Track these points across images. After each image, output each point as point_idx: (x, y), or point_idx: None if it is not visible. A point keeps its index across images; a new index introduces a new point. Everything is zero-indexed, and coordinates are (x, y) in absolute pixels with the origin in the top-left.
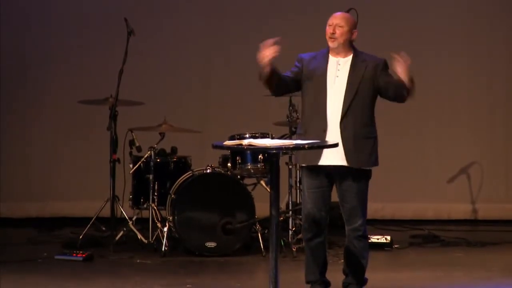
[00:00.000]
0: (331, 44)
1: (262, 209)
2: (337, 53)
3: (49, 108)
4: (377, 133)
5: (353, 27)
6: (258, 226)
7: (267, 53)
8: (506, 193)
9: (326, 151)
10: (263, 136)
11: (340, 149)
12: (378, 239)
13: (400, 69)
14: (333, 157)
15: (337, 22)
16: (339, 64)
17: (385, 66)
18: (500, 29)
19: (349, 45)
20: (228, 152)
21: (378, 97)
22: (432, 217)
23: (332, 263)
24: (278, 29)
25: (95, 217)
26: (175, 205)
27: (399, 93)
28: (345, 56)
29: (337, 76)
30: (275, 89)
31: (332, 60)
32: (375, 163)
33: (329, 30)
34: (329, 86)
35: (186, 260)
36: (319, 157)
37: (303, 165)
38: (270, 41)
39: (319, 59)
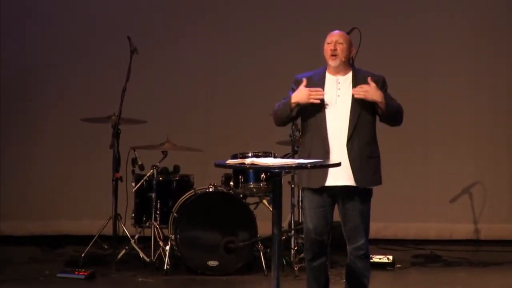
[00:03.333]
0: (332, 62)
1: (264, 228)
2: (336, 71)
3: (51, 126)
4: (380, 152)
5: (350, 44)
6: (260, 245)
7: (315, 95)
8: (509, 213)
9: (331, 172)
10: (266, 155)
11: (347, 169)
12: (380, 258)
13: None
14: (339, 178)
15: (336, 39)
16: (339, 83)
17: (383, 84)
18: (501, 48)
19: (348, 63)
20: (230, 171)
21: None
22: (435, 237)
23: (334, 283)
24: (282, 48)
25: (97, 235)
26: (178, 224)
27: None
28: (344, 74)
29: (338, 96)
30: (285, 124)
31: (331, 78)
32: (379, 181)
33: (329, 47)
34: (331, 106)
35: (188, 278)
36: (323, 179)
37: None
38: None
39: (317, 79)
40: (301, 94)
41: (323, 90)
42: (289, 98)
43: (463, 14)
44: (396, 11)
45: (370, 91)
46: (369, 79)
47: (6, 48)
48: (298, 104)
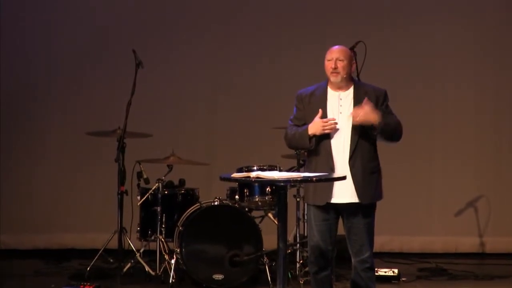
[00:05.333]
0: (333, 79)
1: (269, 241)
2: (338, 87)
3: (56, 139)
4: (383, 166)
5: (351, 59)
6: (265, 259)
7: (329, 127)
8: None
9: (336, 189)
10: (271, 168)
11: (350, 186)
12: (385, 272)
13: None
14: (343, 195)
15: (337, 56)
16: (341, 99)
17: (385, 99)
18: (506, 64)
19: (350, 78)
20: (236, 185)
21: None
22: (440, 250)
23: None
24: (285, 61)
25: (102, 249)
26: (183, 237)
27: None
28: (346, 89)
29: (340, 112)
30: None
31: (333, 94)
32: (380, 196)
33: (330, 64)
34: None
35: None
36: (328, 196)
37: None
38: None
39: (319, 95)
40: (315, 126)
41: (326, 107)
42: (306, 129)
43: (466, 25)
44: (399, 23)
45: (367, 114)
46: (365, 99)
47: (11, 61)
48: (314, 135)
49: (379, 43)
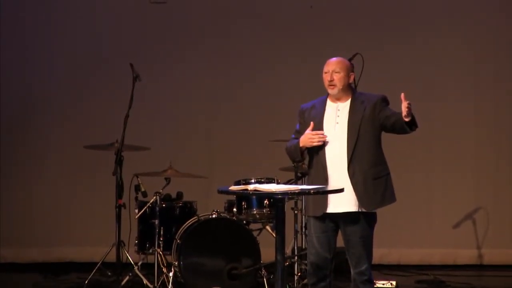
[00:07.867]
0: (330, 91)
1: (267, 254)
2: (336, 98)
3: (54, 152)
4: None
5: (349, 70)
6: (263, 271)
7: (317, 139)
8: None
9: (333, 199)
10: (269, 181)
11: (351, 195)
12: (383, 284)
13: (402, 107)
14: (341, 204)
15: (333, 68)
16: (339, 110)
17: (383, 102)
18: (506, 77)
19: (348, 89)
20: (233, 197)
21: (383, 139)
22: (438, 262)
23: None
24: (283, 74)
25: (100, 262)
26: (181, 250)
27: (400, 125)
28: (345, 100)
29: (337, 123)
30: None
31: (332, 106)
32: (392, 199)
33: (326, 77)
34: (330, 134)
35: None
36: (324, 206)
37: (312, 216)
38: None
39: (318, 107)
40: (305, 139)
41: (323, 119)
42: (298, 142)
43: (466, 37)
44: (398, 35)
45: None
46: (402, 95)
47: (9, 75)
48: (306, 148)
49: (378, 55)
